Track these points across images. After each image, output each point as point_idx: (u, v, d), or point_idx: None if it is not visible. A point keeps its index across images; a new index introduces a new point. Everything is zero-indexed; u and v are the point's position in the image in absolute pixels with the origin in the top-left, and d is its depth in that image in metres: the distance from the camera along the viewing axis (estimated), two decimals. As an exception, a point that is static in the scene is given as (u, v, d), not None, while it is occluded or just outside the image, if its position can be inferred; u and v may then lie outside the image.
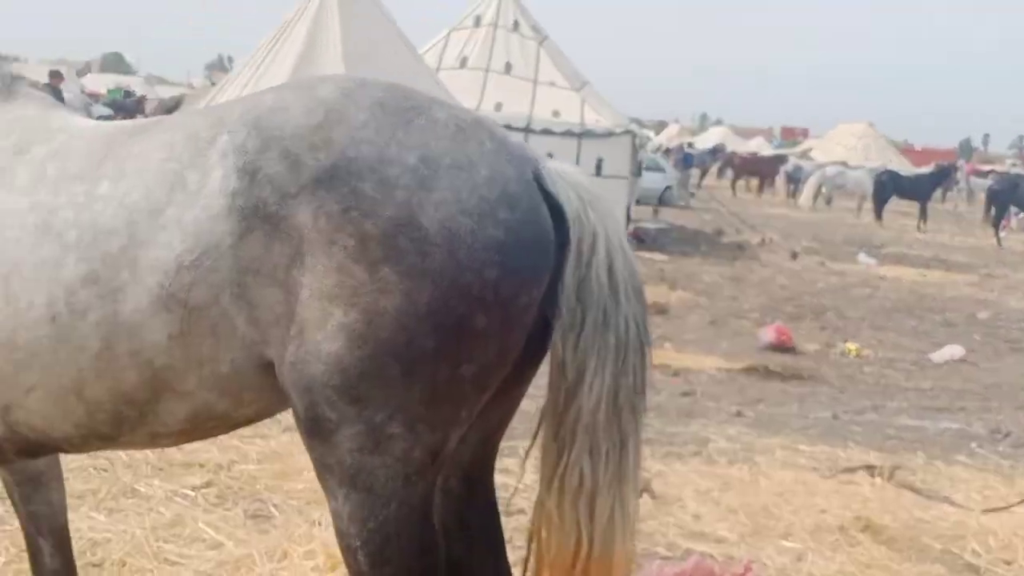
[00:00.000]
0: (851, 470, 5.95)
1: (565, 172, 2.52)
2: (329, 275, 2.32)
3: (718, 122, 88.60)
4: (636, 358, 2.52)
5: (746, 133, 64.74)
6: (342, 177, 2.35)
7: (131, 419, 2.60)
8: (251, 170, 2.40)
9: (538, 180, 2.46)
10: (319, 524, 4.39)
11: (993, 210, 25.61)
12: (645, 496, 4.89)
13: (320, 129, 2.40)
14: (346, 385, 2.34)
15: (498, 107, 15.92)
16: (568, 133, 16.20)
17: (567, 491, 2.51)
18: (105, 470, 5.03)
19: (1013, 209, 27.08)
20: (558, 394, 2.52)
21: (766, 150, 48.39)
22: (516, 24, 17.56)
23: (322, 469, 2.47)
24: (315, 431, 2.41)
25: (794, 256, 18.20)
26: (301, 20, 10.59)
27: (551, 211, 2.45)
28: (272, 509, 4.77)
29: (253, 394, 2.55)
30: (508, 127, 14.24)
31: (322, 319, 2.33)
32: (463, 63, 16.94)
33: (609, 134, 16.49)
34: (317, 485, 5.12)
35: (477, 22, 17.61)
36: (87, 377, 2.54)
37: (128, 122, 2.74)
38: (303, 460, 5.08)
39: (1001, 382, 9.17)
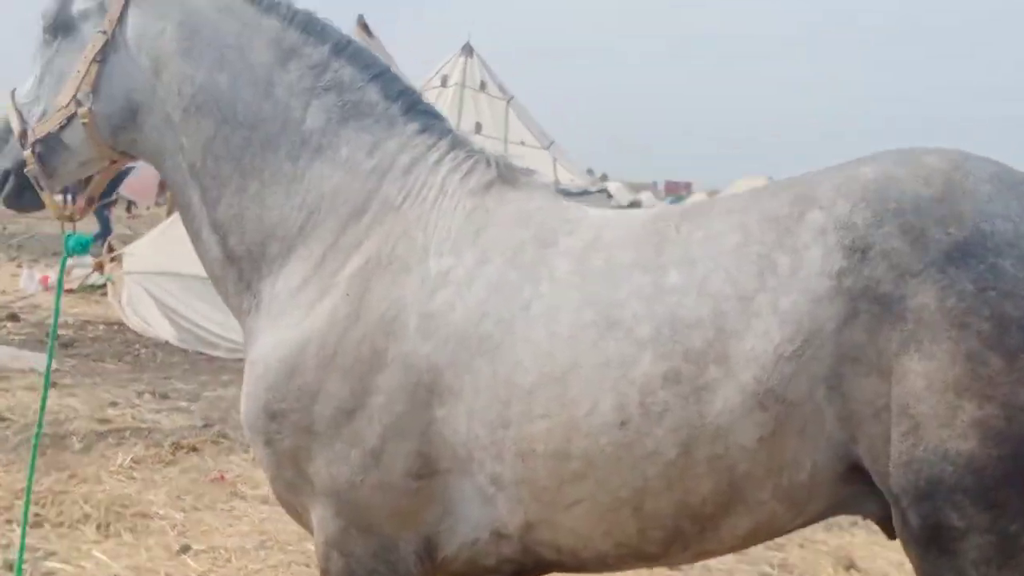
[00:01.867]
0: None
1: None
2: (956, 363, 2.13)
3: (604, 177, 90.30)
4: None
5: (637, 188, 66.17)
6: (977, 254, 2.17)
7: (687, 536, 2.37)
8: (862, 247, 2.23)
9: None
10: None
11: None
12: None
13: (944, 202, 2.24)
14: (981, 489, 2.15)
15: (472, 166, 15.77)
16: (546, 193, 16.15)
17: None
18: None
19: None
20: None
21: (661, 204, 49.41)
22: (483, 84, 17.56)
23: None
24: (934, 540, 2.22)
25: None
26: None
27: None
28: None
29: (817, 503, 2.35)
30: (486, 186, 14.18)
31: (948, 414, 2.14)
32: (433, 123, 16.76)
33: (584, 192, 16.50)
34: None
35: (444, 82, 17.50)
36: (653, 488, 2.29)
37: (666, 207, 2.55)
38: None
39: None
